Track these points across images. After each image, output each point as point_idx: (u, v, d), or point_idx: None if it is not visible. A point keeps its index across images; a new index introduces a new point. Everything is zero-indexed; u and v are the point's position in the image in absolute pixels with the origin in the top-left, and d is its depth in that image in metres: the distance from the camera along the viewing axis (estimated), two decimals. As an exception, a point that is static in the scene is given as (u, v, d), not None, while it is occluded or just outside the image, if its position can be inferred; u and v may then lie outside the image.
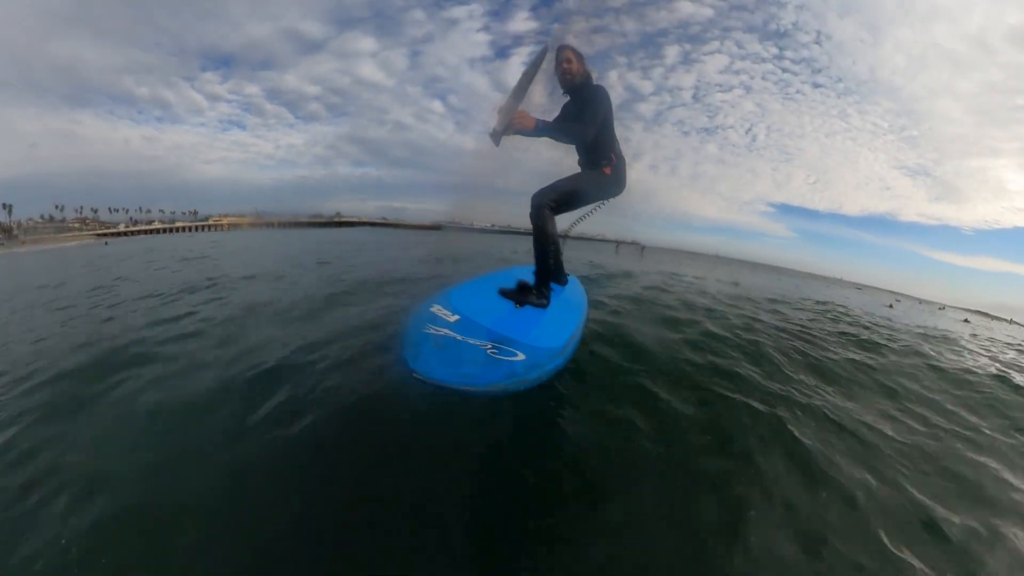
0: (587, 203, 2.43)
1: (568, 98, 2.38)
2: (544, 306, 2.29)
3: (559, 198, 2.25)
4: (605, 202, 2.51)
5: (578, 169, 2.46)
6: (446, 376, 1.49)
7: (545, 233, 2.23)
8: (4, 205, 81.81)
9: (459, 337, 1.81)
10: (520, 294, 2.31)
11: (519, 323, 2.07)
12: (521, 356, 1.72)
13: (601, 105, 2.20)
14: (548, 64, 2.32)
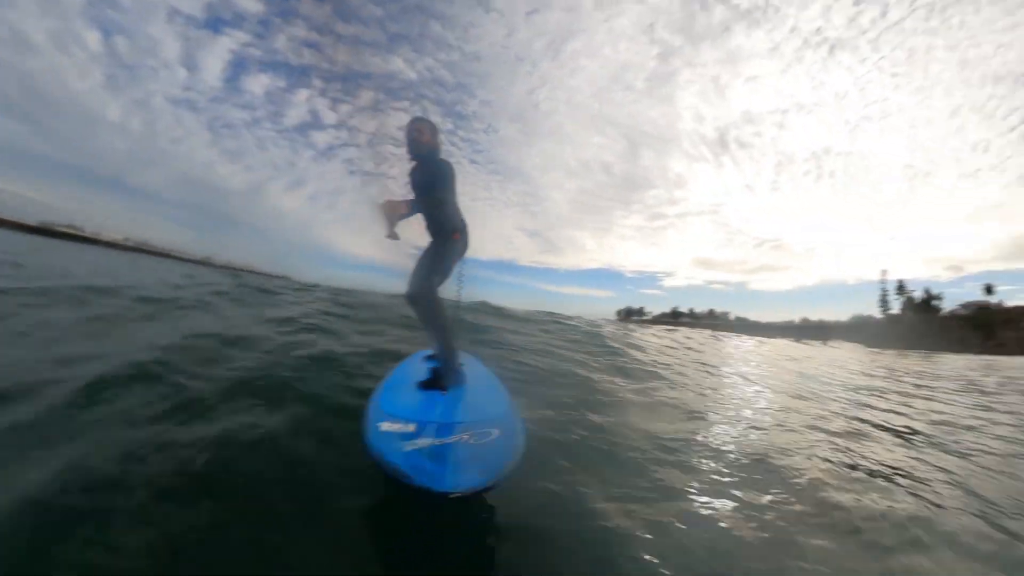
0: (450, 272, 2.54)
1: (414, 164, 2.47)
2: (464, 381, 2.34)
3: (438, 277, 2.39)
4: (462, 269, 2.73)
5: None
6: (473, 480, 1.41)
7: (442, 314, 2.30)
8: None
9: (437, 440, 1.65)
10: (441, 380, 2.30)
11: (462, 404, 2.08)
12: (496, 431, 1.70)
13: (453, 179, 2.40)
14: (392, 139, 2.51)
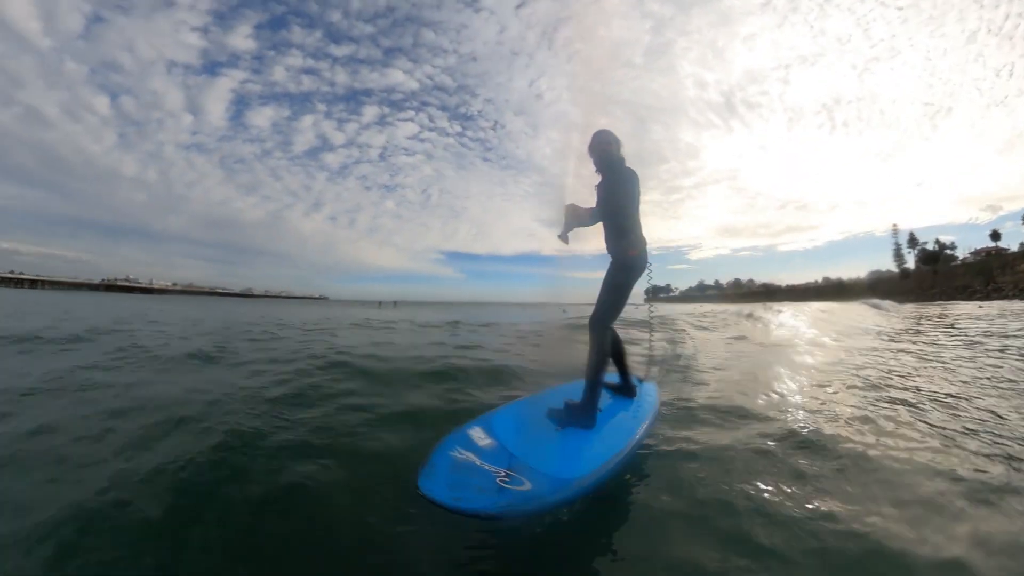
0: (628, 293, 2.47)
1: (600, 178, 2.49)
2: (589, 427, 2.19)
3: (611, 311, 2.37)
4: (650, 278, 2.58)
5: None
6: (443, 497, 1.56)
7: (599, 351, 2.26)
8: None
9: (478, 462, 1.80)
10: (564, 415, 2.25)
11: (548, 448, 1.99)
12: (528, 485, 1.68)
13: (634, 185, 2.35)
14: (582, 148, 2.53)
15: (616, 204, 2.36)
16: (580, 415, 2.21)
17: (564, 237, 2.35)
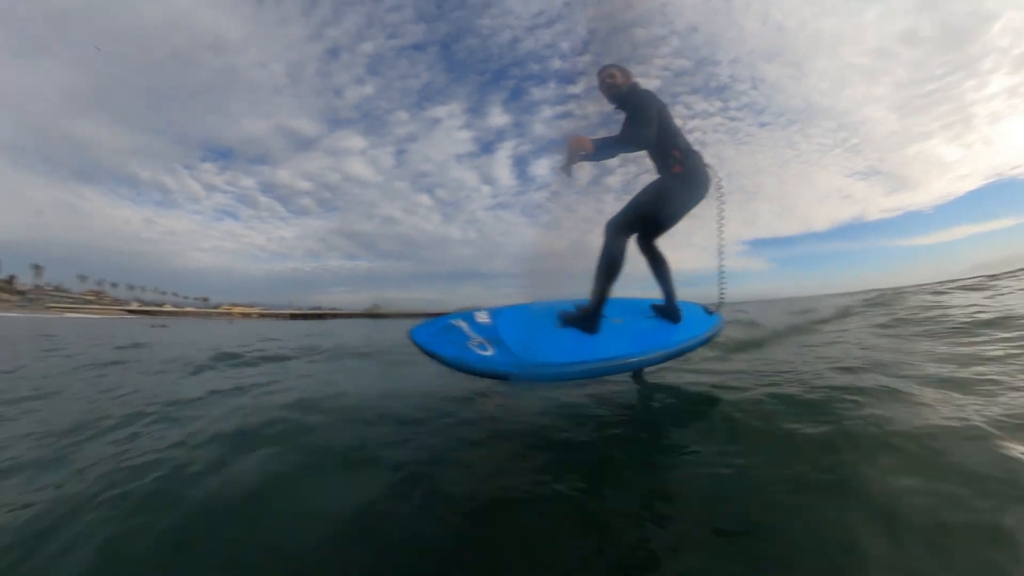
0: (672, 215, 2.30)
1: (622, 113, 2.32)
2: (590, 331, 2.11)
3: (631, 217, 2.20)
4: (723, 214, 2.34)
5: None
6: (420, 339, 1.76)
7: (605, 255, 2.14)
8: (35, 266, 77.78)
9: (466, 329, 1.90)
10: (569, 316, 2.17)
11: (531, 336, 1.97)
12: (490, 352, 1.77)
13: (650, 104, 2.18)
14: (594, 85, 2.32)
15: (645, 134, 2.13)
16: (582, 319, 2.15)
17: (567, 170, 2.13)
